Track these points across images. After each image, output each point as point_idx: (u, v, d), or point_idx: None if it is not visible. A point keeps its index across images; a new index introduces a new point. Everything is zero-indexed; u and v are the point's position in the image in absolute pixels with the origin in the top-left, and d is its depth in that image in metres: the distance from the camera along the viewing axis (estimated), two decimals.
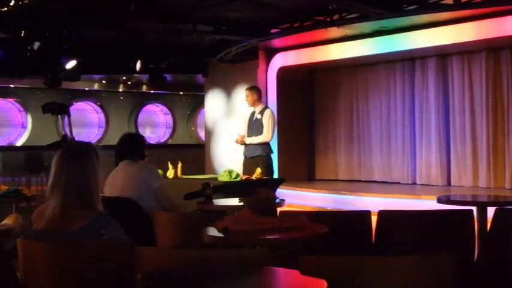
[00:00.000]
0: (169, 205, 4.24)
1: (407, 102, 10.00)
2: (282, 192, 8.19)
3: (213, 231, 3.01)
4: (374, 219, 3.57)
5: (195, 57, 10.85)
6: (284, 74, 10.57)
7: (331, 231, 3.01)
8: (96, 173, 2.52)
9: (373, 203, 7.92)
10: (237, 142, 7.21)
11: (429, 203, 7.01)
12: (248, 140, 7.07)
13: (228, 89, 11.26)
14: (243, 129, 7.40)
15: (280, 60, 10.54)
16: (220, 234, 2.96)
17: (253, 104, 7.17)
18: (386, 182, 10.10)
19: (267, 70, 10.66)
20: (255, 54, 10.52)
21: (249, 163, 7.03)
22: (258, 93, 7.24)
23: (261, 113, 7.12)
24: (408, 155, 9.94)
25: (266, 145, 7.07)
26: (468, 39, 8.25)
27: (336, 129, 11.00)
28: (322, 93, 11.22)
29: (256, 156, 7.01)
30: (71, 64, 9.35)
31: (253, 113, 7.26)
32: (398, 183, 9.93)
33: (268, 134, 7.04)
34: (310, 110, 11.26)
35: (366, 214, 3.60)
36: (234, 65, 10.91)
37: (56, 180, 2.43)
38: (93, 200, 2.47)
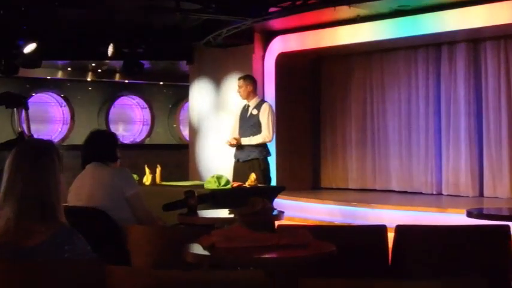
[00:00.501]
0: (146, 217, 4.24)
1: (432, 97, 10.01)
2: (280, 202, 8.18)
3: (197, 249, 3.01)
4: (391, 236, 3.57)
5: (178, 40, 10.84)
6: (284, 61, 10.57)
7: (339, 249, 3.02)
8: (58, 178, 2.51)
9: (390, 216, 7.92)
10: (231, 145, 7.18)
11: (457, 217, 7.00)
12: (245, 141, 7.05)
13: (217, 79, 11.25)
14: (234, 127, 7.38)
15: (280, 45, 10.54)
16: (207, 253, 2.95)
17: (247, 97, 7.17)
18: (406, 192, 10.11)
19: (263, 57, 10.66)
20: (249, 37, 10.52)
21: (242, 168, 7.03)
22: (253, 83, 7.24)
23: (257, 108, 7.12)
24: (433, 159, 9.95)
25: (263, 146, 7.08)
26: (505, 21, 8.25)
27: (346, 128, 11.00)
28: (329, 85, 11.22)
29: (252, 160, 7.01)
30: (29, 48, 9.32)
31: (246, 108, 7.25)
32: (421, 193, 9.94)
33: (269, 133, 7.03)
34: (315, 105, 11.26)
35: (381, 230, 3.61)
36: (225, 50, 10.90)
37: (9, 186, 2.43)
38: (55, 210, 2.46)
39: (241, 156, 7.10)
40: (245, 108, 7.27)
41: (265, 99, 10.23)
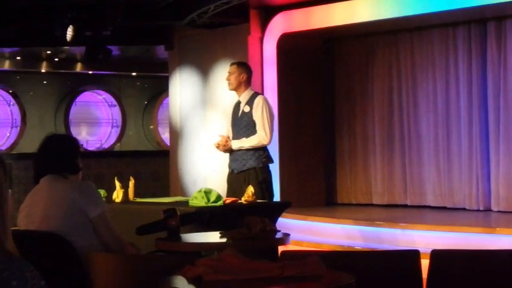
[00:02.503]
0: (114, 243, 4.23)
1: (476, 87, 10.01)
2: (285, 222, 8.17)
3: (180, 283, 3.00)
4: (425, 263, 3.57)
5: (154, 19, 10.85)
6: (288, 44, 10.58)
7: (360, 282, 3.01)
8: (4, 196, 2.50)
9: (424, 239, 7.92)
10: (218, 148, 7.21)
11: (509, 239, 6.99)
12: (236, 144, 7.07)
13: (203, 68, 11.27)
14: (227, 130, 7.40)
15: (282, 24, 10.55)
16: (192, 287, 2.95)
17: (237, 87, 7.18)
18: (444, 208, 10.11)
19: (262, 38, 10.67)
20: (244, 14, 10.53)
21: (237, 180, 7.03)
22: (248, 72, 7.26)
23: (250, 103, 7.11)
24: (478, 166, 9.94)
25: (261, 151, 7.07)
26: None
27: (368, 127, 11.01)
28: (344, 73, 11.23)
29: (248, 170, 7.01)
30: None
31: (237, 105, 7.25)
32: (463, 209, 9.94)
33: (266, 133, 7.03)
34: (327, 98, 11.27)
35: (413, 256, 3.62)
36: (213, 31, 10.91)
37: None
38: None
39: (235, 165, 7.09)
40: (236, 105, 7.27)
41: (265, 91, 10.29)
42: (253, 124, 7.05)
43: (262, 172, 7.02)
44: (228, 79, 7.24)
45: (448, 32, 10.23)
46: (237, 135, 7.13)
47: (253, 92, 7.28)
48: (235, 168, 7.09)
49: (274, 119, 7.25)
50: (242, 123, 7.11)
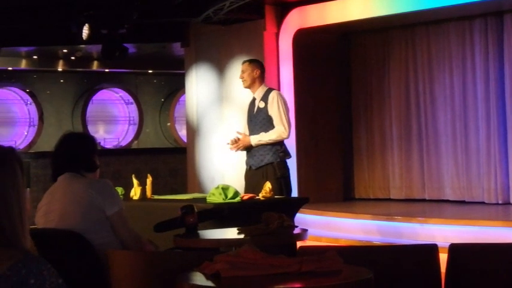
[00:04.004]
0: (132, 240, 4.25)
1: (493, 80, 9.97)
2: (303, 218, 8.17)
3: (198, 279, 3.00)
4: (443, 257, 3.56)
5: (170, 17, 10.86)
6: (304, 39, 10.58)
7: (379, 276, 3.01)
8: (22, 194, 2.51)
9: (443, 233, 7.91)
10: (231, 149, 7.18)
11: None
12: (254, 139, 7.03)
13: (220, 64, 11.27)
14: (244, 128, 7.39)
15: (298, 20, 10.55)
16: (210, 283, 2.95)
17: (251, 84, 7.19)
18: (463, 202, 10.09)
19: (278, 34, 10.67)
20: (259, 10, 10.53)
21: (255, 176, 7.01)
22: (261, 68, 7.26)
23: (264, 99, 7.10)
24: (496, 160, 9.92)
25: (279, 146, 7.05)
26: None
27: (385, 122, 10.99)
28: (361, 68, 11.21)
29: (266, 165, 7.00)
30: None
31: (252, 101, 7.25)
32: (482, 203, 9.92)
33: (285, 127, 6.99)
34: (344, 93, 11.26)
35: (432, 250, 3.61)
36: (229, 27, 10.91)
37: None
38: (17, 234, 2.46)
39: (253, 161, 7.08)
40: (252, 102, 7.27)
41: (282, 86, 10.30)
42: (269, 120, 7.05)
43: (280, 167, 7.00)
44: (241, 77, 7.25)
45: (465, 25, 10.20)
46: (253, 131, 7.12)
47: (267, 88, 7.28)
48: (253, 164, 7.08)
49: (289, 113, 7.24)
50: (258, 120, 7.11)
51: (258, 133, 7.07)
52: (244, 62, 7.34)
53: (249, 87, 7.23)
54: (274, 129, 7.01)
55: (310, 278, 2.98)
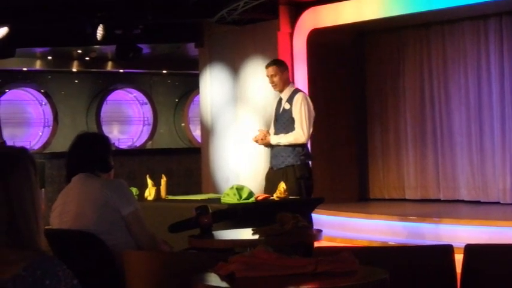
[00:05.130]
0: (147, 241, 4.25)
1: (508, 80, 9.95)
2: (318, 218, 8.16)
3: (213, 279, 3.00)
4: (459, 258, 3.55)
5: (184, 17, 10.87)
6: (318, 39, 10.57)
7: (394, 277, 3.00)
8: (36, 195, 2.51)
9: (458, 233, 7.88)
10: (257, 142, 7.14)
11: None
12: (274, 140, 6.97)
13: (234, 64, 11.27)
14: (272, 122, 7.36)
15: (312, 19, 10.54)
16: (225, 284, 2.95)
17: (283, 88, 7.06)
18: (478, 203, 10.06)
19: (292, 34, 10.66)
20: (273, 10, 10.53)
21: (276, 176, 6.91)
22: (287, 68, 7.18)
23: (290, 100, 6.99)
24: None
25: (301, 148, 6.98)
26: None
27: (400, 122, 10.97)
28: (376, 68, 11.20)
29: (287, 167, 6.94)
30: (0, 33, 9.41)
31: (279, 101, 7.15)
32: (498, 203, 9.89)
33: (303, 131, 6.90)
34: (359, 93, 11.24)
35: (447, 250, 3.61)
36: (243, 27, 10.92)
37: None
38: (32, 234, 2.46)
39: (275, 162, 7.03)
40: (279, 102, 7.17)
41: (296, 87, 10.27)
42: (292, 121, 6.94)
43: (300, 169, 6.93)
44: (272, 82, 7.05)
45: (479, 25, 10.18)
46: (277, 131, 7.07)
47: (294, 88, 7.18)
48: (275, 164, 7.02)
49: (313, 117, 7.10)
50: (283, 120, 7.02)
51: (281, 132, 7.01)
52: (269, 66, 7.12)
53: (282, 90, 7.08)
54: (293, 132, 6.91)
55: (326, 279, 2.97)
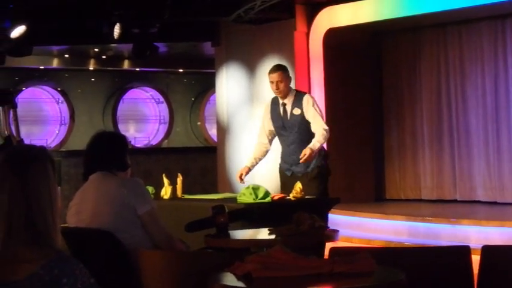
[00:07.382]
0: (164, 239, 4.25)
1: None
2: (334, 219, 8.14)
3: (230, 279, 3.00)
4: (476, 259, 3.53)
5: (201, 16, 10.88)
6: (334, 39, 10.56)
7: (411, 278, 2.99)
8: (53, 193, 2.52)
9: (475, 234, 7.86)
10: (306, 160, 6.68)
11: None
12: (315, 147, 6.55)
13: (250, 63, 11.28)
14: (260, 134, 7.17)
15: (328, 19, 10.53)
16: (241, 284, 2.95)
17: (287, 94, 6.88)
18: (495, 203, 10.04)
19: (308, 34, 10.66)
20: (290, 10, 10.54)
21: (295, 178, 6.74)
22: (289, 76, 6.99)
23: (298, 105, 6.79)
24: None
25: (321, 150, 6.87)
26: None
27: (417, 122, 10.95)
28: (393, 68, 11.18)
29: (312, 170, 6.83)
30: (18, 31, 9.44)
31: (283, 107, 6.90)
32: None
33: (325, 127, 6.66)
34: (375, 93, 11.23)
35: (464, 251, 3.60)
36: (259, 27, 10.92)
37: None
38: (49, 233, 2.47)
39: (299, 169, 6.75)
40: (282, 107, 6.93)
41: (312, 86, 10.29)
42: (307, 123, 6.78)
43: (318, 169, 6.84)
44: (277, 88, 6.77)
45: (497, 25, 10.16)
46: (289, 137, 6.81)
47: (295, 91, 7.00)
48: (299, 171, 6.81)
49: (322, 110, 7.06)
50: (295, 125, 6.82)
51: (296, 138, 6.81)
52: (274, 71, 6.84)
53: (285, 97, 6.86)
54: (319, 133, 6.63)
55: (342, 279, 2.97)
